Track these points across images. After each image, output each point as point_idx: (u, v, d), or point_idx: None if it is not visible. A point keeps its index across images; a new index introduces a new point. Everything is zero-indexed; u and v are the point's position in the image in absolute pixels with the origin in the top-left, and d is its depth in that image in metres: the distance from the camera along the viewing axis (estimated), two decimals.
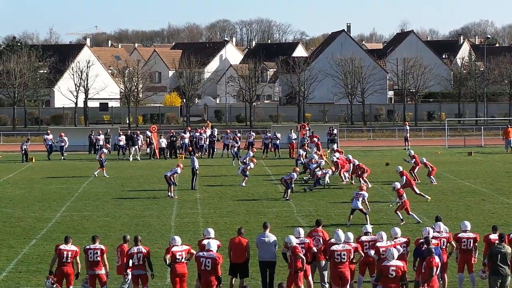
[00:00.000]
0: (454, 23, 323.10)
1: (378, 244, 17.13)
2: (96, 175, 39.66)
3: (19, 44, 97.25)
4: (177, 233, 19.17)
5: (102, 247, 17.56)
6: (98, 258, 17.36)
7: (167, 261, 17.15)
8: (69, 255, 17.22)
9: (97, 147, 51.59)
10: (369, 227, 18.41)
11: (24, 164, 47.26)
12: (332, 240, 17.42)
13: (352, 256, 17.04)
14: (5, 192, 35.32)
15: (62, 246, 17.34)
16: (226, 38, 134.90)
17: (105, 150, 42.03)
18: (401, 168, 31.73)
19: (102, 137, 51.98)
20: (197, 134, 51.25)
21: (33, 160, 48.78)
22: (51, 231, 25.98)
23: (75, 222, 27.63)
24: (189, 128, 54.11)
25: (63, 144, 50.64)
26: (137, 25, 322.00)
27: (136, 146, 49.94)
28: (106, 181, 38.69)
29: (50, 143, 50.73)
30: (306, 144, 45.63)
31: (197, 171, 35.40)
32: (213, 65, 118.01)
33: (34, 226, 26.94)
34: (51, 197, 33.58)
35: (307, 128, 51.46)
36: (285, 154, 48.97)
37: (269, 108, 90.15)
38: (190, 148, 50.21)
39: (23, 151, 48.93)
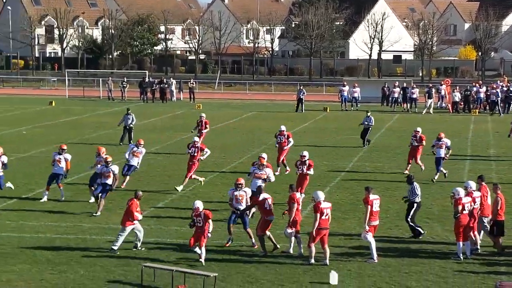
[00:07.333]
0: None
1: None
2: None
3: None
4: None
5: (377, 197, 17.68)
6: (378, 208, 17.52)
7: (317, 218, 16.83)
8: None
9: (390, 98, 52.18)
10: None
11: (318, 113, 48.83)
12: None
13: None
14: (301, 141, 36.77)
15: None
16: None
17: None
18: None
19: (397, 89, 51.90)
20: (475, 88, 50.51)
21: (327, 110, 50.26)
22: (344, 180, 26.73)
23: (367, 173, 28.11)
24: (480, 82, 52.62)
25: (355, 95, 51.59)
26: None
27: (431, 100, 49.64)
28: (398, 133, 38.88)
29: (345, 94, 51.66)
30: None
31: None
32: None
33: (328, 174, 27.83)
34: (343, 146, 34.43)
35: None
36: None
37: None
38: (485, 103, 49.04)
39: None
